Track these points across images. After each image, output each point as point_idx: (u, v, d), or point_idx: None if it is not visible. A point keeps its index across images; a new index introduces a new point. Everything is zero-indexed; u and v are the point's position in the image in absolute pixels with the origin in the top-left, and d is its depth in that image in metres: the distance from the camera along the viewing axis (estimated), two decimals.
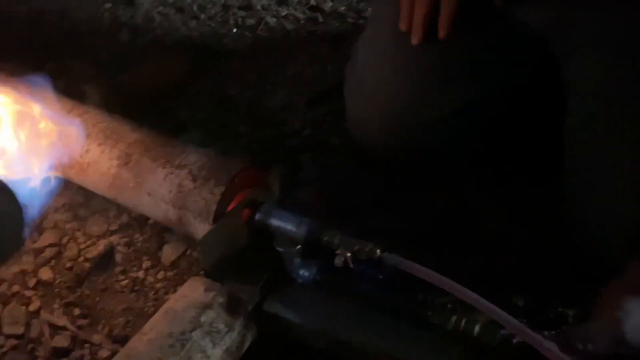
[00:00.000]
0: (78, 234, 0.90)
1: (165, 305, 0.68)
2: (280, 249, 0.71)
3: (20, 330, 0.79)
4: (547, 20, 0.81)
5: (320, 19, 1.38)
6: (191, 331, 0.65)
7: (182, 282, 0.82)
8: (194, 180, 0.71)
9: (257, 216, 0.71)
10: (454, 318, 0.64)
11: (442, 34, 0.80)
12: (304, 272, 0.72)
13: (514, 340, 0.62)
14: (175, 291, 0.82)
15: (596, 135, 0.75)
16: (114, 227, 0.90)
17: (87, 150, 0.78)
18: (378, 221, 0.93)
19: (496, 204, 0.95)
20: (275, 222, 0.70)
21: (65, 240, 0.90)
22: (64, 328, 0.78)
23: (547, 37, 0.83)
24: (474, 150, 0.94)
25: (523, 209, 0.94)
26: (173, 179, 0.73)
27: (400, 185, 0.98)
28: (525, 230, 0.91)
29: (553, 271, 0.85)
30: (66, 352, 0.77)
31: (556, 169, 0.85)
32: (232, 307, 0.69)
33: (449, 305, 0.68)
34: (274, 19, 1.37)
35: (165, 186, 0.73)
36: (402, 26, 0.82)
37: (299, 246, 0.71)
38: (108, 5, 1.37)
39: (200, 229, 0.71)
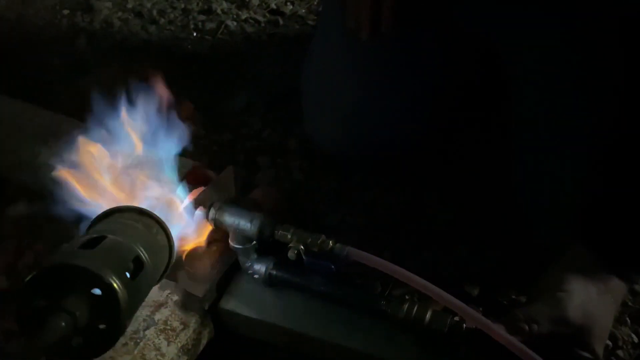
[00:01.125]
0: (35, 240, 0.89)
1: None
2: (234, 246, 0.72)
3: None
4: (488, 20, 0.83)
5: (281, 22, 1.39)
6: (145, 329, 0.65)
7: None
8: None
9: (211, 214, 0.71)
10: (405, 306, 0.65)
11: (383, 26, 0.83)
12: (259, 268, 0.72)
13: (464, 326, 0.63)
14: None
15: (538, 126, 0.77)
16: (73, 232, 0.89)
17: (38, 153, 0.77)
18: (333, 218, 0.94)
19: (449, 196, 0.96)
20: (228, 219, 0.71)
21: (22, 247, 0.88)
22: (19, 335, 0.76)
23: (489, 36, 0.85)
24: (425, 144, 0.96)
25: (475, 201, 0.96)
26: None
27: (354, 184, 0.99)
28: (478, 221, 0.93)
29: (506, 260, 0.87)
30: None
31: (507, 161, 0.87)
32: (187, 305, 0.69)
33: (407, 296, 0.69)
34: (234, 23, 1.38)
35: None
36: (350, 23, 0.84)
37: (253, 242, 0.71)
38: (66, 11, 1.36)
39: None
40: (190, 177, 0.73)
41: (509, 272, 0.86)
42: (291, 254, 0.67)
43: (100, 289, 0.50)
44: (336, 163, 1.01)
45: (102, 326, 0.51)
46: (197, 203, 0.71)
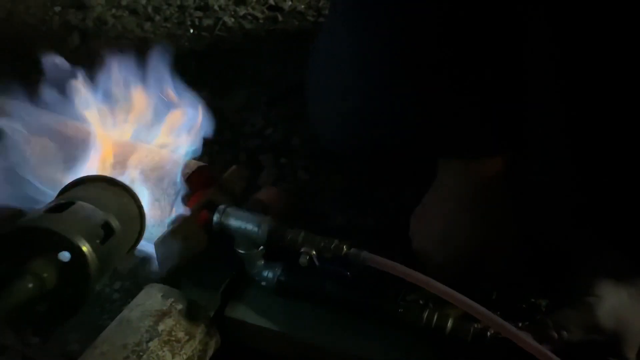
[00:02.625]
0: None
1: (120, 315, 0.64)
2: (241, 252, 0.68)
3: None
4: None
5: (280, 18, 1.35)
6: (148, 341, 0.61)
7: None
8: (146, 180, 0.67)
9: (215, 218, 0.67)
10: (425, 314, 0.62)
11: None
12: (267, 275, 0.68)
13: (488, 334, 0.59)
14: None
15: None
16: None
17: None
18: (341, 219, 0.90)
19: None
20: (234, 223, 0.67)
21: None
22: (9, 347, 0.72)
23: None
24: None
25: None
26: (123, 179, 0.68)
27: (362, 184, 0.96)
28: None
29: (521, 262, 0.84)
30: None
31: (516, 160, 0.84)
32: (192, 314, 0.65)
33: (421, 301, 0.65)
34: (232, 19, 1.34)
35: None
36: None
37: (261, 247, 0.67)
38: (57, 8, 1.32)
39: (155, 232, 0.67)
40: (194, 178, 0.68)
41: (526, 274, 0.82)
42: (303, 260, 0.63)
43: (69, 252, 0.48)
44: (342, 162, 0.98)
45: (69, 291, 0.50)
46: (201, 206, 0.67)
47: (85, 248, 0.49)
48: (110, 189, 0.57)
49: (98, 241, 0.51)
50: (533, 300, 0.80)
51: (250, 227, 0.66)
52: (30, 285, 0.47)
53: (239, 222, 0.66)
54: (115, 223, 0.54)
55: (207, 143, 1.02)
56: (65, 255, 0.49)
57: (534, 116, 0.66)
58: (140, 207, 0.59)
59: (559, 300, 0.63)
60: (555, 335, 0.56)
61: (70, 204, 0.52)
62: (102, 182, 0.57)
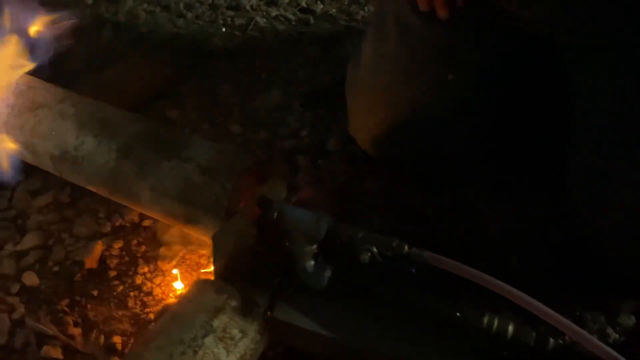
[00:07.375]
0: (65, 235, 0.83)
1: (172, 309, 0.63)
2: (294, 249, 0.66)
3: (2, 340, 0.71)
4: (554, 21, 0.79)
5: (312, 21, 1.35)
6: (203, 337, 0.59)
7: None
8: (203, 173, 0.66)
9: (272, 214, 0.66)
10: (486, 318, 0.60)
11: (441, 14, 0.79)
12: (317, 275, 0.67)
13: (551, 339, 0.59)
14: (174, 296, 0.76)
15: (604, 145, 0.73)
16: (105, 229, 0.84)
17: (82, 142, 0.71)
18: (380, 223, 0.89)
19: (501, 204, 0.92)
20: (291, 219, 0.65)
21: (51, 242, 0.83)
22: (53, 337, 0.71)
23: (552, 39, 0.81)
24: (477, 150, 0.92)
25: (529, 209, 0.91)
26: (179, 172, 0.67)
27: (400, 187, 0.94)
28: (533, 230, 0.89)
29: (563, 272, 0.83)
30: None
31: (561, 168, 0.83)
32: (246, 311, 0.63)
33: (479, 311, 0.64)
34: (264, 20, 1.33)
35: (171, 180, 0.67)
36: (423, 7, 0.80)
37: (314, 245, 0.66)
38: (90, 1, 1.31)
39: (210, 225, 0.66)
40: (249, 173, 0.67)
41: (569, 285, 0.82)
42: (364, 257, 0.62)
43: None
44: (381, 165, 0.97)
45: None
46: (255, 202, 0.66)
47: None
48: None
49: None
50: (579, 313, 0.79)
51: (308, 223, 0.64)
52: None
53: (296, 218, 0.65)
54: None
55: (243, 142, 1.02)
56: None
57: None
58: None
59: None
60: None
61: None
62: None
